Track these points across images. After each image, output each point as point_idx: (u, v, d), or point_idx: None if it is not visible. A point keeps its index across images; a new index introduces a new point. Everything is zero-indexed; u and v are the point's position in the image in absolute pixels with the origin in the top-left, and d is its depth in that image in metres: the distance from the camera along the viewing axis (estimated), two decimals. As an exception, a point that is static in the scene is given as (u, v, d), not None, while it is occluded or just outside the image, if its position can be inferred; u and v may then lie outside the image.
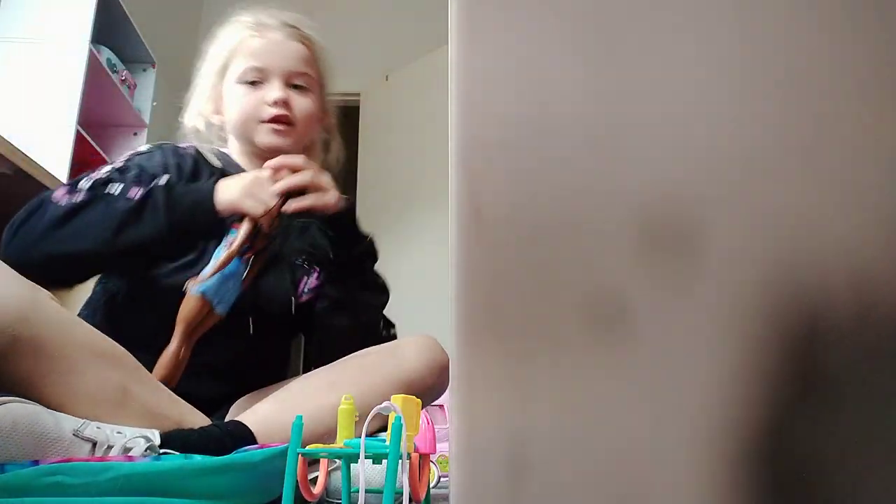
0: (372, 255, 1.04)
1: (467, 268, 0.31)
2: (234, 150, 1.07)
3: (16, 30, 2.10)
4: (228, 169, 1.02)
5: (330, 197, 0.90)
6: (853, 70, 0.27)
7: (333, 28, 3.31)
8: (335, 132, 1.15)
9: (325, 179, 0.92)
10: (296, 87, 1.04)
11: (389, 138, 2.88)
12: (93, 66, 2.12)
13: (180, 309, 0.84)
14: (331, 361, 0.91)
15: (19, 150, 1.39)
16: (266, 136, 1.01)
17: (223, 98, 1.05)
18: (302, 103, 1.03)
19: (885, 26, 0.27)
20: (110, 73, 2.28)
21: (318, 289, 1.02)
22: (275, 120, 1.00)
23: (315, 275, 1.03)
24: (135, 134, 2.57)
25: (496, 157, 0.31)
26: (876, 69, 0.27)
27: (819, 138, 0.27)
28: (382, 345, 0.90)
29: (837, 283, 0.26)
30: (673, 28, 0.29)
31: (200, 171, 1.00)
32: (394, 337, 1.03)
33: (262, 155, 1.01)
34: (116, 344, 0.73)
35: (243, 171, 1.01)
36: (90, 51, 2.10)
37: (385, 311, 1.06)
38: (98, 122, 2.31)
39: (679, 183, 0.28)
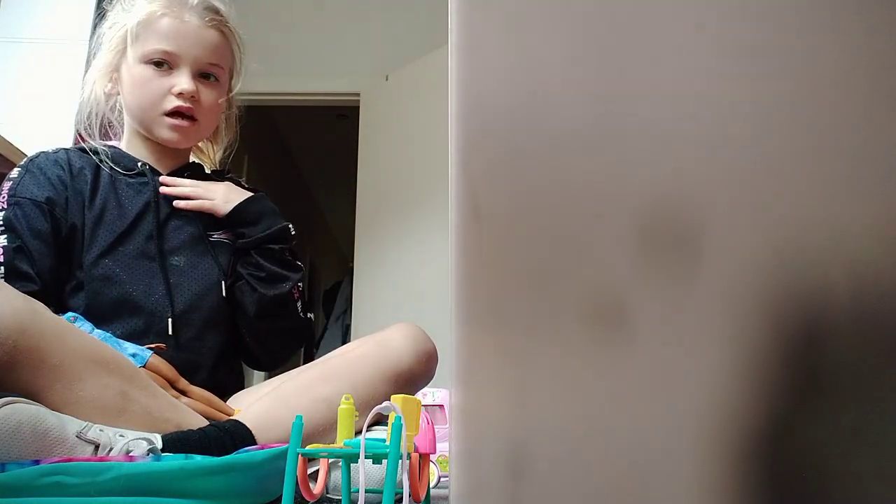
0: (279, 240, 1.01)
1: (467, 268, 0.31)
2: (127, 128, 1.01)
3: (16, 30, 2.11)
4: (119, 161, 0.97)
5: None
6: (852, 70, 0.27)
7: (333, 28, 3.33)
8: (232, 123, 1.11)
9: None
10: (204, 76, 0.98)
11: (389, 138, 2.88)
12: (93, 66, 2.12)
13: None
14: (257, 341, 0.98)
15: (19, 149, 1.39)
16: (165, 131, 0.96)
17: (122, 71, 0.98)
18: (209, 96, 0.98)
19: (884, 26, 0.27)
20: (110, 73, 2.27)
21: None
22: (178, 112, 0.95)
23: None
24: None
25: (496, 157, 0.31)
26: (875, 69, 0.27)
27: (819, 138, 0.27)
28: (369, 336, 0.90)
29: (837, 284, 0.26)
30: (673, 30, 0.29)
31: (82, 171, 0.95)
32: (310, 321, 1.04)
33: (158, 142, 0.99)
34: (115, 350, 0.73)
35: (135, 162, 0.98)
36: (90, 51, 2.10)
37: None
38: (98, 122, 2.31)
39: (678, 184, 0.28)
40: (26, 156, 1.40)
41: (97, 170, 0.96)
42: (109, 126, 1.04)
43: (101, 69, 1.01)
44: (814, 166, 0.27)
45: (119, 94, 1.01)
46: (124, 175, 0.97)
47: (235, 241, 1.00)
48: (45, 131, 1.95)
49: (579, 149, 0.30)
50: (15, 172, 0.93)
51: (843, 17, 0.27)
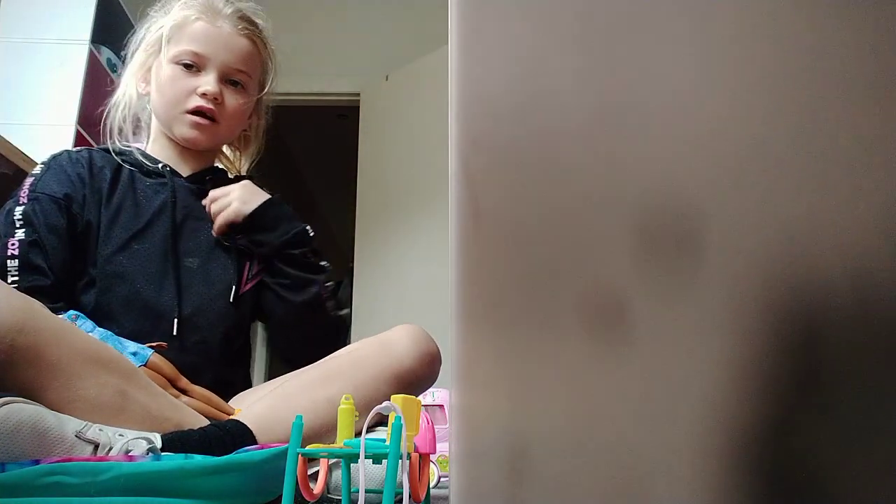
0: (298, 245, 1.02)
1: (467, 268, 0.31)
2: (154, 129, 1.04)
3: (16, 30, 2.11)
4: (140, 162, 1.00)
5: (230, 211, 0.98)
6: (853, 68, 0.27)
7: (333, 28, 3.33)
8: (260, 133, 1.14)
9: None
10: (231, 82, 1.01)
11: (389, 138, 2.88)
12: (93, 66, 2.12)
13: None
14: (289, 346, 0.98)
15: (19, 150, 1.39)
16: (185, 129, 0.99)
17: (153, 71, 1.01)
18: (232, 101, 1.01)
19: (886, 25, 0.27)
20: (110, 73, 2.28)
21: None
22: (199, 111, 0.98)
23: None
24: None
25: (496, 157, 0.31)
26: (876, 67, 0.27)
27: (819, 137, 0.27)
28: (372, 337, 0.90)
29: (837, 283, 0.26)
30: (672, 29, 0.29)
31: (102, 170, 0.97)
32: (343, 319, 1.03)
33: (178, 142, 1.01)
34: (113, 349, 0.74)
35: (156, 163, 1.00)
36: (90, 51, 2.10)
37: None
38: (98, 121, 2.31)
39: (678, 182, 0.28)
40: (26, 155, 1.41)
41: (118, 169, 0.98)
42: (138, 127, 1.07)
43: (135, 69, 1.04)
44: (815, 164, 0.27)
45: (149, 94, 1.03)
46: (144, 175, 0.99)
47: (253, 249, 1.01)
48: (45, 131, 1.95)
49: (580, 148, 0.30)
50: (38, 169, 0.96)
51: (844, 17, 0.27)
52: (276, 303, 0.98)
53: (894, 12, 0.26)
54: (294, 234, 0.98)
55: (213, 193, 0.99)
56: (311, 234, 1.00)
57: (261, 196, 1.00)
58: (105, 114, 1.05)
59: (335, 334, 1.02)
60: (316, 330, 0.99)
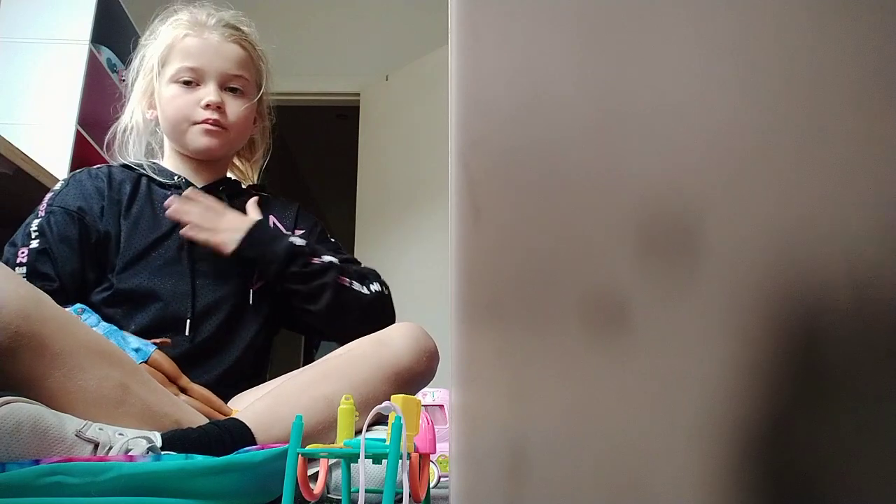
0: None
1: (467, 267, 0.31)
2: (167, 148, 1.08)
3: (16, 30, 2.10)
4: (158, 174, 1.03)
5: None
6: (853, 67, 0.27)
7: (333, 28, 3.33)
8: (266, 134, 1.17)
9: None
10: (231, 89, 1.04)
11: (389, 138, 2.88)
12: (93, 66, 2.12)
13: None
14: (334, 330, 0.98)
15: (19, 150, 1.39)
16: (197, 138, 1.02)
17: (155, 95, 1.05)
18: (236, 107, 1.04)
19: (885, 23, 0.27)
20: (110, 73, 2.27)
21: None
22: (206, 122, 1.01)
23: None
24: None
25: (496, 157, 0.31)
26: (875, 66, 0.27)
27: (819, 135, 0.27)
28: (370, 335, 0.90)
29: (836, 282, 0.26)
30: (672, 30, 0.29)
31: (122, 184, 1.00)
32: (377, 294, 1.01)
33: (193, 155, 1.05)
34: (116, 345, 0.74)
35: (172, 175, 1.03)
36: (90, 51, 2.10)
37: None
38: (98, 121, 2.31)
39: (678, 182, 0.28)
40: (26, 155, 1.41)
41: (137, 182, 1.02)
42: (150, 149, 1.11)
43: (138, 97, 1.08)
44: (814, 165, 0.27)
45: (156, 119, 1.07)
46: (161, 187, 1.02)
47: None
48: (45, 131, 1.95)
49: (579, 148, 0.30)
50: (58, 185, 1.00)
51: (843, 16, 0.27)
52: (305, 315, 0.98)
53: (894, 12, 0.26)
54: (282, 258, 0.96)
55: (207, 215, 0.98)
56: (300, 244, 0.98)
57: (235, 228, 0.97)
58: (112, 138, 1.09)
59: (374, 313, 0.98)
60: (354, 319, 0.97)
